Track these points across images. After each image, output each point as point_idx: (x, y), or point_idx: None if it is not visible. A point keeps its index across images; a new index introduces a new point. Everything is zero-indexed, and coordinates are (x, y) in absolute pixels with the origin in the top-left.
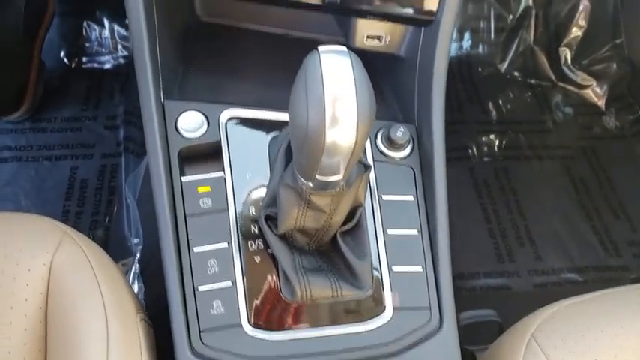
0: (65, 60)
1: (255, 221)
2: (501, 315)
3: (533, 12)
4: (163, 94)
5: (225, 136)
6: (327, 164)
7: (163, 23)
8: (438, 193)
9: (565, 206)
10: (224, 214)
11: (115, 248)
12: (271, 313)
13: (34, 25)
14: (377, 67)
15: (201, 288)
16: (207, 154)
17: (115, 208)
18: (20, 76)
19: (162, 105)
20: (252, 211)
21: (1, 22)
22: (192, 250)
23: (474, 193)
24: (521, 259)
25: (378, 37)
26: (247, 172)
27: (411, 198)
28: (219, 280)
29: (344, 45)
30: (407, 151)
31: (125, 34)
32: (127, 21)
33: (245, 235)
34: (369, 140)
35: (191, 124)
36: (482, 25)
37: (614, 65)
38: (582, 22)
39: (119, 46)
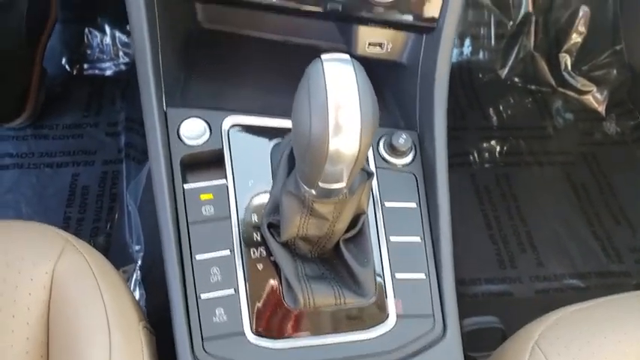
0: (67, 67)
1: (257, 228)
2: (503, 321)
3: (533, 18)
4: (165, 102)
5: (228, 143)
6: (330, 172)
7: (165, 31)
8: (441, 199)
9: (566, 212)
10: (226, 222)
11: (116, 255)
12: (274, 321)
13: (36, 32)
14: (378, 74)
15: (203, 296)
16: (210, 161)
17: (117, 215)
18: (22, 82)
19: (165, 112)
20: (255, 218)
21: (3, 27)
22: (195, 258)
23: (475, 199)
24: (523, 265)
25: (380, 45)
26: (250, 179)
27: (413, 205)
28: (221, 288)
29: (346, 52)
30: (409, 158)
31: (126, 40)
32: (128, 28)
33: (247, 243)
34: (371, 147)
35: (193, 131)
36: (482, 32)
37: (614, 71)
38: (582, 29)
39: (120, 53)
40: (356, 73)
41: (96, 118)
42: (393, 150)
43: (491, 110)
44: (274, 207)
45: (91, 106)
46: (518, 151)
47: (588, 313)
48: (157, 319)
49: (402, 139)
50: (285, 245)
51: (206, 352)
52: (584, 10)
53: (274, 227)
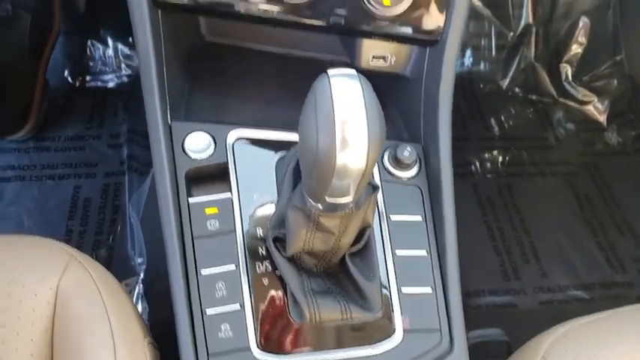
0: (69, 79)
1: (263, 242)
2: (507, 333)
3: (534, 29)
4: (170, 116)
5: (233, 156)
6: (337, 186)
7: (170, 45)
8: (446, 213)
9: (569, 222)
10: (231, 236)
11: (119, 268)
12: (280, 336)
13: (39, 45)
14: (382, 87)
15: (209, 311)
16: (215, 174)
17: (119, 227)
18: (25, 94)
19: (170, 126)
20: (260, 232)
21: (7, 40)
22: (200, 273)
23: (478, 210)
24: (527, 277)
25: (384, 58)
26: (254, 193)
27: (419, 218)
28: (227, 303)
29: (349, 65)
30: (414, 171)
31: (129, 52)
32: (131, 40)
33: (253, 257)
34: None
35: (198, 144)
36: (483, 43)
37: (615, 82)
38: (582, 39)
39: (123, 65)
40: (363, 88)
41: (98, 130)
42: (397, 163)
43: (492, 121)
44: (279, 221)
45: (94, 118)
46: (521, 161)
47: (595, 325)
48: (161, 333)
49: (407, 152)
50: (291, 259)
51: None
52: (584, 21)
53: (280, 241)
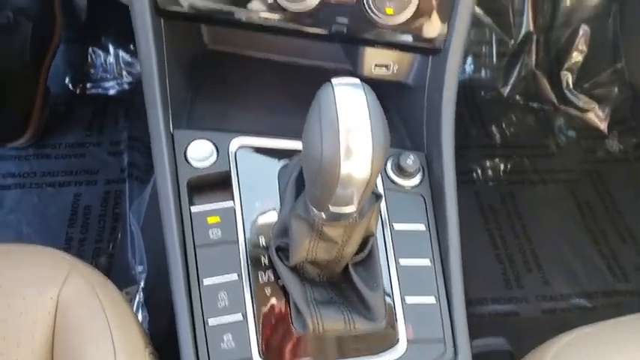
0: (70, 86)
1: (265, 251)
2: (510, 342)
3: (534, 37)
4: (172, 124)
5: (235, 165)
6: (341, 195)
7: (172, 53)
8: (450, 222)
9: (571, 230)
10: (234, 245)
11: (119, 276)
12: (283, 347)
13: (40, 52)
14: (384, 95)
15: (211, 322)
16: (217, 183)
17: (119, 235)
18: (25, 102)
19: (172, 134)
20: (263, 241)
21: (8, 47)
22: (202, 283)
23: (480, 218)
24: (529, 285)
25: (386, 66)
26: (257, 201)
27: (422, 227)
28: (229, 313)
29: (351, 72)
30: (417, 179)
31: (130, 60)
32: (132, 47)
33: (255, 267)
34: None
35: (200, 153)
36: (484, 50)
37: (616, 89)
38: (583, 47)
39: (124, 72)
40: (367, 98)
41: (99, 138)
42: (400, 171)
43: (493, 128)
44: (282, 230)
45: (94, 126)
46: (522, 169)
47: (600, 334)
48: (161, 342)
49: (410, 160)
50: (294, 269)
51: None
52: (584, 29)
53: (282, 251)
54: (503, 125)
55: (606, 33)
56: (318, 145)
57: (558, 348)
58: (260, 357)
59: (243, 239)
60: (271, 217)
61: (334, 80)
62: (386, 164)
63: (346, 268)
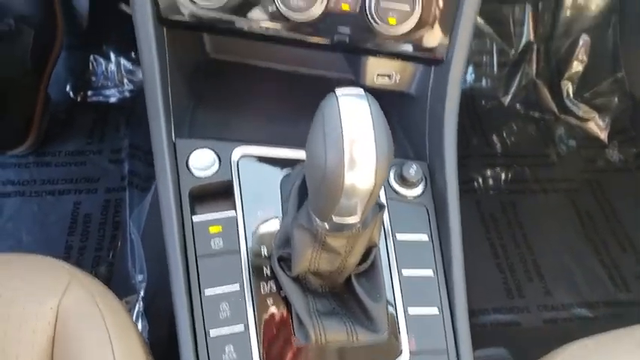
0: (71, 93)
1: (267, 261)
2: (512, 352)
3: (535, 47)
4: (174, 133)
5: (237, 174)
6: (344, 206)
7: (174, 62)
8: (453, 232)
9: (572, 240)
10: (236, 256)
11: (119, 285)
12: (285, 358)
13: (41, 60)
14: (387, 104)
15: (212, 333)
16: (219, 192)
17: (119, 244)
18: (26, 110)
19: (174, 143)
20: (265, 251)
21: (10, 55)
22: (204, 293)
23: (481, 227)
24: (531, 295)
25: (389, 75)
26: (259, 211)
27: (425, 237)
28: (231, 324)
29: (354, 82)
30: (420, 189)
31: (131, 67)
32: (133, 55)
33: (257, 277)
34: None
35: (202, 162)
36: (484, 60)
37: (616, 99)
38: (583, 57)
39: (125, 80)
40: (371, 108)
41: (99, 145)
42: (403, 181)
43: (494, 137)
44: (284, 240)
45: (95, 133)
46: (523, 178)
47: (600, 346)
48: (161, 352)
49: (413, 170)
50: (296, 280)
51: None
52: (584, 39)
53: (284, 261)
54: (504, 134)
55: (606, 43)
56: (322, 156)
57: (561, 359)
58: None
59: (245, 249)
60: (273, 227)
61: (338, 90)
62: (388, 174)
63: (349, 278)
